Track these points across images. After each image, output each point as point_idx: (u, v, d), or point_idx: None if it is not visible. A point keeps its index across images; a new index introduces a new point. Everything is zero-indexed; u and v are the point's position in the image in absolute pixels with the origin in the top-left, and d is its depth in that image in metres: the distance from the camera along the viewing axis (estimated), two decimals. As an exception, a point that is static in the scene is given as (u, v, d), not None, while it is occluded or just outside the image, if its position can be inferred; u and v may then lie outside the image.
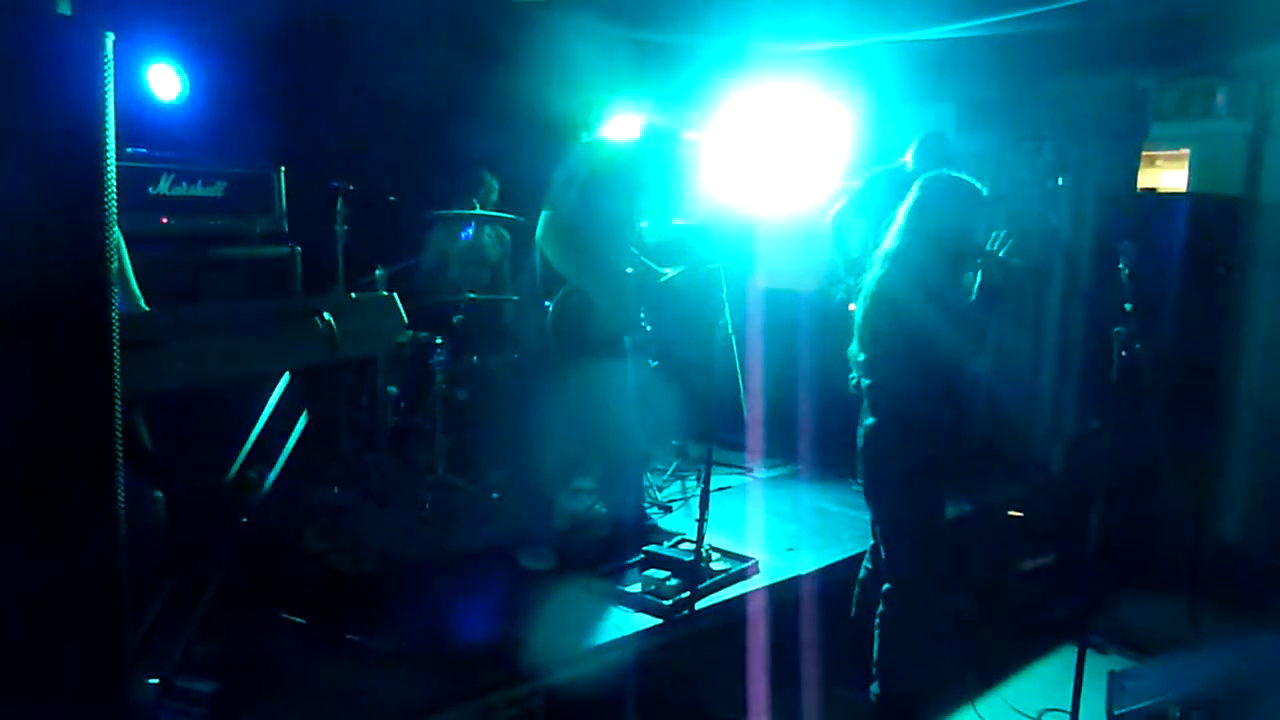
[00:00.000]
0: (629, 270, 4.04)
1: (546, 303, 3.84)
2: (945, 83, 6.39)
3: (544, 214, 3.87)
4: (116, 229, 2.89)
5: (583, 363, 3.83)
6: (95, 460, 1.58)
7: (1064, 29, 4.63)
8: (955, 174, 3.47)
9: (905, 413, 3.33)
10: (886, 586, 3.48)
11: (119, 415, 1.59)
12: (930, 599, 3.52)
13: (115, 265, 2.80)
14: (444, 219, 5.03)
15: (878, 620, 3.50)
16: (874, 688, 3.52)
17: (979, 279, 3.35)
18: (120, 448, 1.61)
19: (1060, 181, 5.64)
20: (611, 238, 3.98)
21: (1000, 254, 3.26)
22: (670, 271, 4.26)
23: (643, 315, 4.16)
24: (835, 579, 4.04)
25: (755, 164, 4.52)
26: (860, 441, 3.50)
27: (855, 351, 3.48)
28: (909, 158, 4.95)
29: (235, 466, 2.77)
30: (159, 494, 2.97)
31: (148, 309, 2.99)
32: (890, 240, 3.42)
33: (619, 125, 4.62)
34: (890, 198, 4.95)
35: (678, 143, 4.18)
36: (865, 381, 3.45)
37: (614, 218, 3.97)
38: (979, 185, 3.41)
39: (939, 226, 3.33)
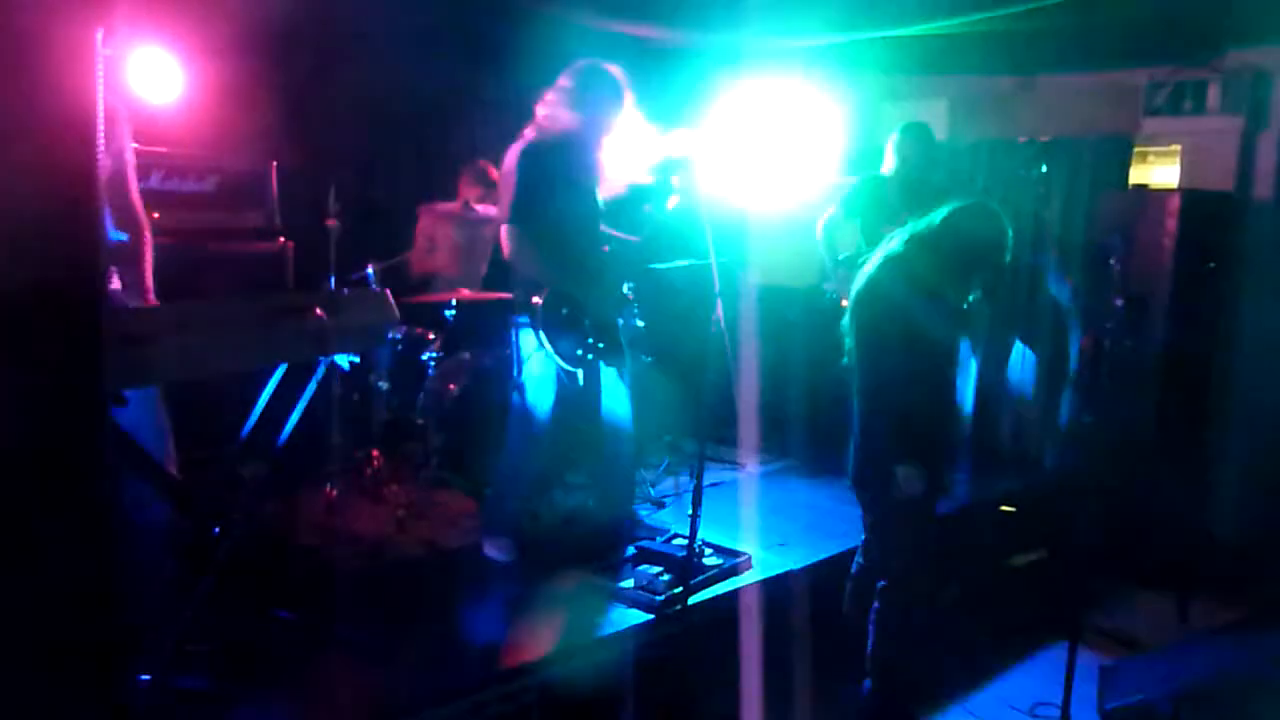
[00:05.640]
0: (605, 249, 3.98)
1: (535, 300, 3.74)
2: (938, 79, 6.41)
3: (506, 229, 3.70)
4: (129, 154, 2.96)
5: (577, 356, 3.80)
6: (82, 455, 1.57)
7: (1057, 25, 4.63)
8: (985, 201, 3.43)
9: (896, 407, 3.34)
10: (881, 583, 3.49)
11: (106, 413, 1.59)
12: (922, 594, 3.53)
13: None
14: (432, 212, 5.03)
15: (871, 615, 3.51)
16: (867, 683, 3.54)
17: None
18: (108, 444, 1.60)
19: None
20: (582, 232, 3.87)
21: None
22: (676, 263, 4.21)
23: (630, 288, 4.11)
24: (827, 574, 4.04)
25: (748, 160, 4.51)
26: (851, 435, 3.52)
27: (848, 347, 3.49)
28: (890, 149, 4.95)
29: (228, 461, 2.77)
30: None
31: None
32: (894, 244, 3.41)
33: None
34: (876, 200, 4.98)
35: (612, 88, 3.82)
36: (855, 377, 3.46)
37: (579, 211, 3.85)
38: (1002, 211, 3.36)
39: (960, 249, 3.31)
